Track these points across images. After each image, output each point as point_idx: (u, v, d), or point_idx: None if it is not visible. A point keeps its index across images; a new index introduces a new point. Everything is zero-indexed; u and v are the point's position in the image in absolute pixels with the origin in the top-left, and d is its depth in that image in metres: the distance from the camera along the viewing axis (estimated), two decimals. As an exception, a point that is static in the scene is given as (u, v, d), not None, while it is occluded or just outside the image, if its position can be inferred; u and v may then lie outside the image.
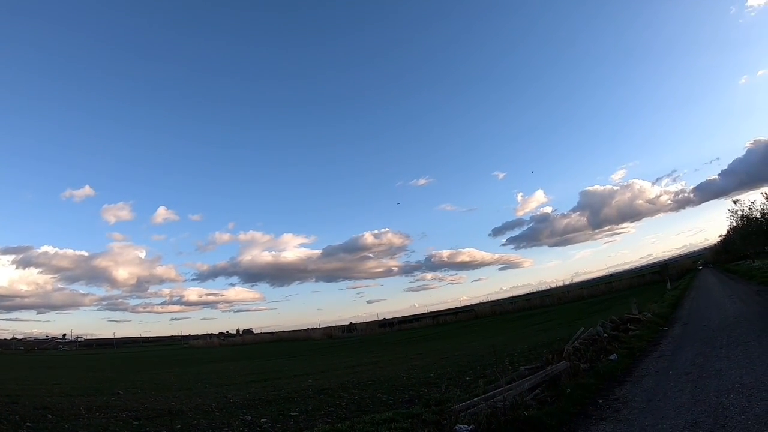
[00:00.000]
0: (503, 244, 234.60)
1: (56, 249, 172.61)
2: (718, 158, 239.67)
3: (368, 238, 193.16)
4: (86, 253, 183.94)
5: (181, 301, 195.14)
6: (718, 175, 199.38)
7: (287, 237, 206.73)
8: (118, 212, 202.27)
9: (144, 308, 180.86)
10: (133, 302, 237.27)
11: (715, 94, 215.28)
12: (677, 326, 17.25)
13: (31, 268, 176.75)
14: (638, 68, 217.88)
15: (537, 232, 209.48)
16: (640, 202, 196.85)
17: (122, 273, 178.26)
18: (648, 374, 9.74)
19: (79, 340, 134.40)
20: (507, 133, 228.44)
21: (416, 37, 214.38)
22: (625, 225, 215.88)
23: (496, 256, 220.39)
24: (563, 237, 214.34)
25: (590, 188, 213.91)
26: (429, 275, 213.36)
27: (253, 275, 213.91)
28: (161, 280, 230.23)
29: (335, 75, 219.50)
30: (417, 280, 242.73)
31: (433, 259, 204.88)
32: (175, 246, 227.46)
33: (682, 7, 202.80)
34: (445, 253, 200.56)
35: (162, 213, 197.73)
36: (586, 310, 43.36)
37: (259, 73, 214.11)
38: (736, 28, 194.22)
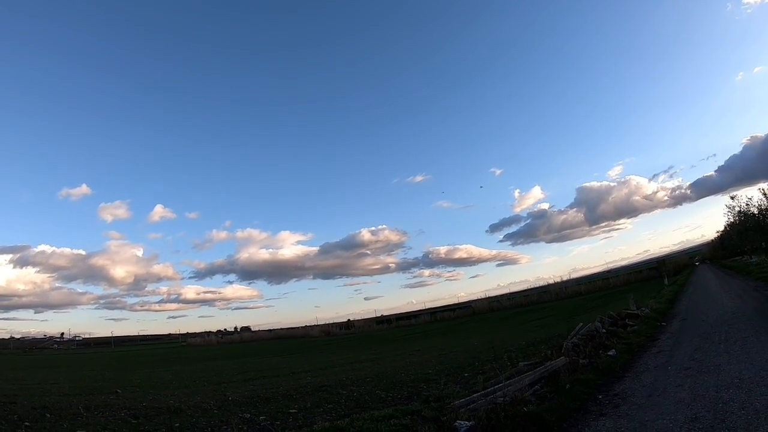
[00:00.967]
0: (500, 241, 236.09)
1: (53, 248, 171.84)
2: (714, 154, 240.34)
3: (365, 235, 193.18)
4: (83, 252, 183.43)
5: (178, 299, 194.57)
6: (715, 171, 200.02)
7: (284, 234, 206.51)
8: (115, 211, 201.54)
9: (141, 306, 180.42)
10: (130, 301, 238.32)
11: (711, 90, 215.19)
12: (675, 322, 17.29)
13: (29, 267, 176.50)
14: (634, 65, 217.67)
15: (534, 229, 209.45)
16: (637, 198, 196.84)
17: (119, 271, 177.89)
18: (647, 370, 9.74)
19: (77, 339, 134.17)
20: (504, 129, 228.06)
21: (413, 33, 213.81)
22: (622, 221, 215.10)
23: (494, 252, 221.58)
24: (560, 233, 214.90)
25: (587, 184, 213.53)
26: (426, 272, 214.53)
27: (250, 273, 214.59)
28: (159, 279, 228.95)
29: (331, 72, 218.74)
30: (414, 277, 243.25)
31: (430, 256, 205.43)
32: (172, 244, 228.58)
33: (678, 4, 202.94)
34: (443, 250, 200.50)
35: (159, 211, 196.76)
36: (584, 306, 43.48)
37: (255, 71, 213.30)
38: (733, 25, 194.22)
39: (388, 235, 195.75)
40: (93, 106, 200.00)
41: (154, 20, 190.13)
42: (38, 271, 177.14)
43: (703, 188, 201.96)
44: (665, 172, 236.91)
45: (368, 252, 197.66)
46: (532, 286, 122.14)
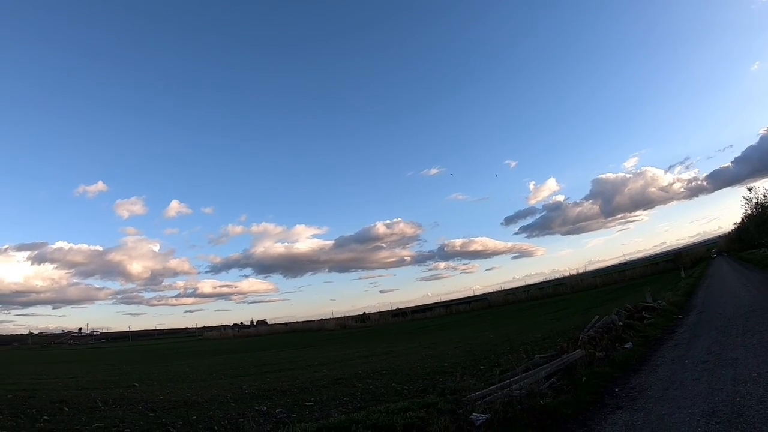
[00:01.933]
0: (516, 233, 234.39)
1: (71, 244, 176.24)
2: (731, 145, 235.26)
3: (380, 228, 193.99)
4: (100, 248, 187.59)
5: (195, 294, 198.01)
6: (732, 162, 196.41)
7: (299, 228, 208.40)
8: (131, 207, 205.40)
9: (158, 301, 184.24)
10: (147, 295, 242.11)
11: (727, 80, 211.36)
12: (692, 315, 17.08)
13: (47, 263, 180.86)
14: (650, 56, 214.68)
15: (549, 221, 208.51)
16: (653, 189, 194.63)
17: (136, 267, 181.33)
18: (664, 363, 9.68)
19: (94, 333, 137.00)
20: (519, 121, 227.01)
21: (429, 26, 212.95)
22: (638, 213, 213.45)
23: (509, 244, 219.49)
24: (576, 225, 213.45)
25: (602, 176, 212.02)
26: (442, 264, 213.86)
27: (266, 267, 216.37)
28: (175, 273, 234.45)
29: (346, 65, 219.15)
30: (430, 270, 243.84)
31: (445, 249, 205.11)
32: (189, 239, 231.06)
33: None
34: (458, 243, 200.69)
35: (174, 206, 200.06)
36: (600, 298, 43.13)
37: (270, 65, 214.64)
38: (749, 15, 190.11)
39: (403, 228, 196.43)
40: (108, 103, 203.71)
41: (169, 17, 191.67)
42: (56, 268, 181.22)
43: (719, 180, 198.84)
44: (681, 163, 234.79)
45: (383, 245, 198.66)
46: (547, 279, 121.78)
